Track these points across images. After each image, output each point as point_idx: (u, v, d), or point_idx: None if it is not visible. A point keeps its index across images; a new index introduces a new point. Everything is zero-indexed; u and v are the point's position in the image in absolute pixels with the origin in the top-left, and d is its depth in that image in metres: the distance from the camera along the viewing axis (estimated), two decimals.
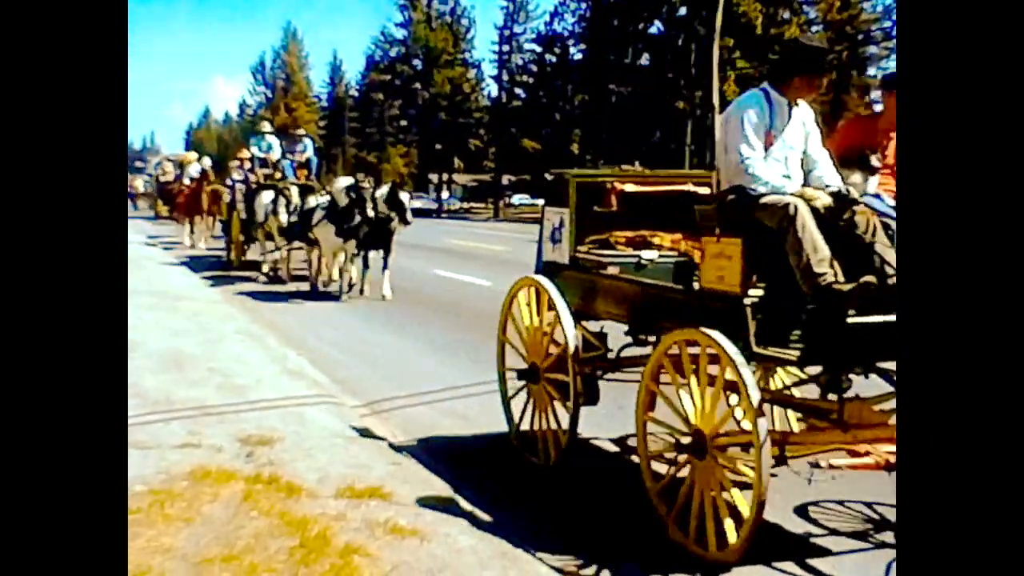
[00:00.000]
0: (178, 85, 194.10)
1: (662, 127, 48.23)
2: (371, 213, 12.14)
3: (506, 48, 64.80)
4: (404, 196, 12.58)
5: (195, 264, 17.73)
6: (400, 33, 66.64)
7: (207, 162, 25.27)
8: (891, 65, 61.05)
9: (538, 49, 60.07)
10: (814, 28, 47.96)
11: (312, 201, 13.67)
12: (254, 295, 13.63)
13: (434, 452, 5.74)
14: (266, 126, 18.60)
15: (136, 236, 22.21)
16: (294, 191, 14.47)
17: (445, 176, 65.83)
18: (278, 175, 16.17)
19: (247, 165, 18.67)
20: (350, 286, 13.21)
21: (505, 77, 64.82)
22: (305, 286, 14.07)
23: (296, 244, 14.78)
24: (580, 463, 5.42)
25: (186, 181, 23.68)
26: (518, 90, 64.05)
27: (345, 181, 12.92)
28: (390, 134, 69.62)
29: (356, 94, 76.17)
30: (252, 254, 17.47)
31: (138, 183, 45.35)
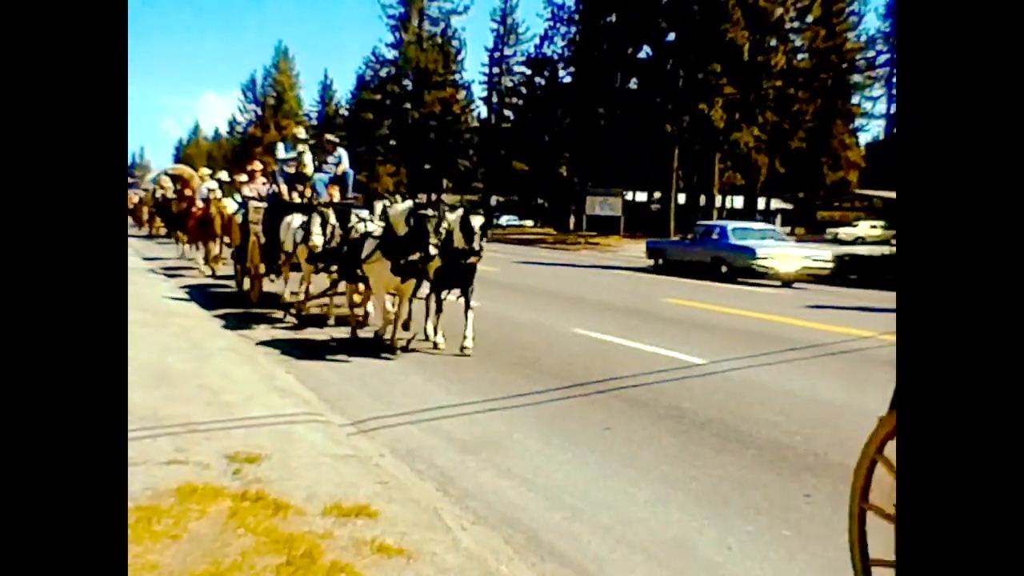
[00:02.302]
0: (169, 101, 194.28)
1: (650, 150, 48.53)
2: (433, 250, 9.41)
3: (496, 70, 65.46)
4: (477, 222, 9.68)
5: (203, 296, 15.20)
6: (391, 53, 67.13)
7: (224, 176, 22.15)
8: (875, 93, 61.84)
9: (528, 72, 60.63)
10: (800, 56, 48.54)
11: (360, 227, 10.91)
12: (286, 348, 10.17)
13: (421, 471, 5.76)
14: (301, 132, 14.86)
15: (130, 259, 19.94)
16: (331, 213, 11.64)
17: (434, 196, 65.99)
18: (309, 192, 13.31)
19: (259, 180, 16.60)
20: (403, 325, 10.63)
21: (495, 99, 65.30)
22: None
23: (323, 283, 12.52)
24: None
25: (198, 202, 20.59)
26: (507, 112, 64.52)
27: (405, 204, 9.99)
28: (380, 153, 69.79)
29: (346, 113, 76.42)
30: (268, 283, 14.54)
31: (135, 199, 44.12)
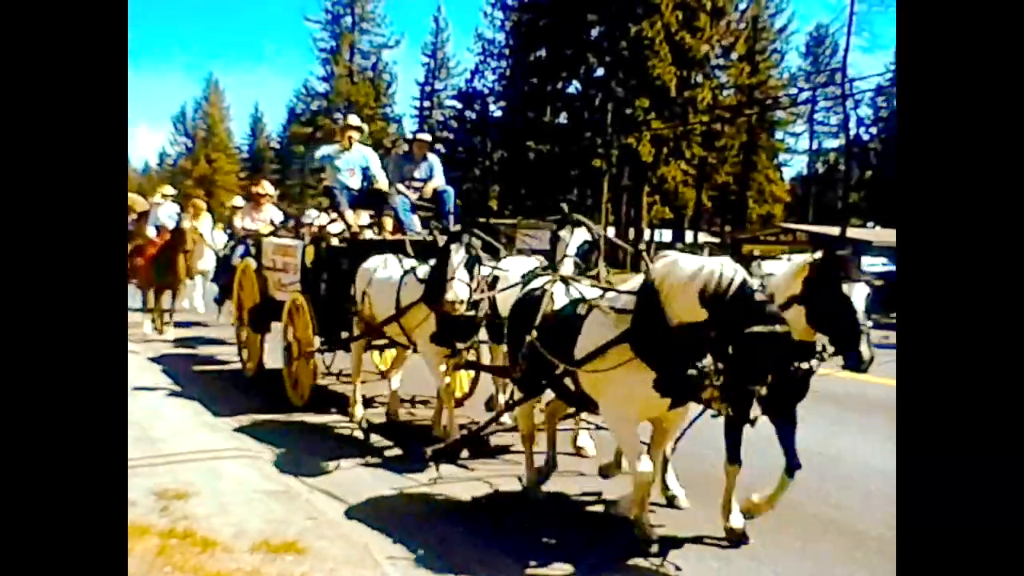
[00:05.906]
0: None
1: (579, 184, 49.07)
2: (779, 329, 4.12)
3: (427, 104, 65.59)
4: (861, 292, 4.59)
5: (190, 383, 9.72)
6: (322, 86, 66.82)
7: (202, 205, 16.19)
8: (798, 129, 63.48)
9: (458, 105, 60.81)
10: (726, 92, 49.70)
11: (558, 291, 5.55)
12: None
13: (352, 507, 5.75)
14: (355, 119, 9.52)
15: None
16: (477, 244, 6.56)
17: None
18: (388, 222, 8.61)
19: (263, 209, 11.78)
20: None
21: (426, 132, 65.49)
22: None
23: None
24: None
25: (151, 233, 13.63)
26: (438, 145, 64.63)
27: (697, 262, 4.47)
28: (311, 186, 69.11)
29: (277, 146, 75.75)
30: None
31: None
